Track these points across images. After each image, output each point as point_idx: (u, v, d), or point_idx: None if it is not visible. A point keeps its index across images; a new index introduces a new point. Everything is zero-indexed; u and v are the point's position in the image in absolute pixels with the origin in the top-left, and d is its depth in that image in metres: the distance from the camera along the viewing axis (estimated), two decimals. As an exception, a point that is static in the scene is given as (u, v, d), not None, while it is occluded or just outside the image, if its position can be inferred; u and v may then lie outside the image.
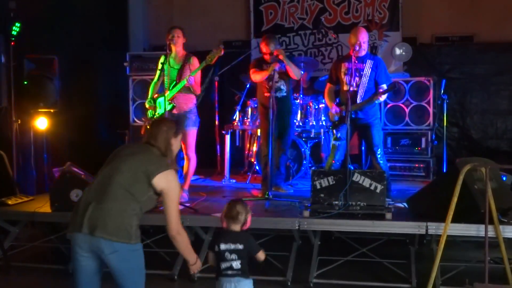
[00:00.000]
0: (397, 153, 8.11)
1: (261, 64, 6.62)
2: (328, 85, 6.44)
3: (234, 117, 8.09)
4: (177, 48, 6.09)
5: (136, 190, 3.42)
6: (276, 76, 6.36)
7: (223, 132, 8.10)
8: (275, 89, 6.36)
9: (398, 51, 8.88)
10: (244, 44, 9.91)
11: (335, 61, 6.97)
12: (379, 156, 6.09)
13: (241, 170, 8.61)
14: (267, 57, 6.52)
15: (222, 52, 5.95)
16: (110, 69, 8.80)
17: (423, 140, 8.09)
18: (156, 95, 6.18)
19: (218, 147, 8.60)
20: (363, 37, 6.01)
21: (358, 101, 6.01)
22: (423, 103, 8.11)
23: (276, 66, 6.32)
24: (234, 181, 7.93)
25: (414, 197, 5.50)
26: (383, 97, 6.06)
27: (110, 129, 8.89)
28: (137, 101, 8.29)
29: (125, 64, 8.48)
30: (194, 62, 6.12)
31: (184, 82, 5.93)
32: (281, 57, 6.35)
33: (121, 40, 9.67)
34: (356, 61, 6.00)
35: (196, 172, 7.63)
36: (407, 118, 8.12)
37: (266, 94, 6.50)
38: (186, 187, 6.21)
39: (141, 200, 3.44)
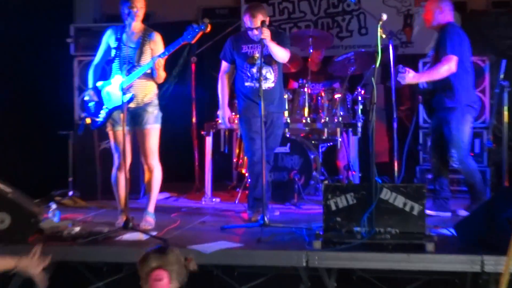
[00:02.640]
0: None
1: (239, 44, 6.69)
2: None
3: (218, 113, 8.04)
4: (136, 22, 6.08)
5: None
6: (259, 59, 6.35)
7: (202, 133, 8.05)
8: (257, 78, 6.38)
9: (441, 21, 8.87)
10: (232, 13, 9.90)
11: None
12: (452, 159, 6.48)
13: (228, 185, 8.57)
14: (254, 32, 6.51)
15: (208, 30, 5.94)
16: (46, 47, 8.73)
17: (476, 142, 8.08)
18: (100, 82, 6.20)
19: (196, 153, 8.56)
20: (428, 5, 6.56)
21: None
22: (477, 92, 8.08)
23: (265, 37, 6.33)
24: (218, 200, 7.91)
25: (466, 221, 5.48)
26: (408, 78, 6.28)
27: (49, 131, 8.82)
28: (85, 90, 8.24)
29: (68, 40, 8.43)
30: (157, 39, 6.13)
31: (149, 64, 5.92)
32: (265, 37, 6.35)
33: (63, 8, 9.61)
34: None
35: (165, 188, 7.61)
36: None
37: (247, 84, 6.62)
38: (151, 209, 6.19)
39: None
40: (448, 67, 6.37)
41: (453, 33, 6.49)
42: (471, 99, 6.63)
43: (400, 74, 6.40)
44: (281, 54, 6.49)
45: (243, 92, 6.71)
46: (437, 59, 6.46)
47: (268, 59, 6.51)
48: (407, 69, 6.44)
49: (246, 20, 6.52)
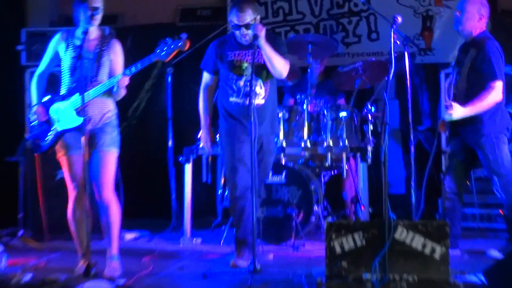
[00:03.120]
0: (468, 192, 8.07)
1: (224, 50, 6.63)
2: None
3: (200, 135, 8.03)
4: (94, 26, 6.08)
5: None
6: (249, 70, 6.33)
7: (180, 159, 8.05)
8: (245, 93, 6.36)
9: (467, 24, 8.92)
10: (216, 14, 9.93)
11: None
12: (497, 186, 6.64)
13: (212, 222, 8.54)
14: (242, 32, 6.46)
15: (186, 48, 5.96)
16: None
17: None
18: (47, 97, 6.19)
19: (172, 184, 8.54)
20: (464, 5, 6.70)
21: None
22: (510, 110, 8.09)
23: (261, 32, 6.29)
24: (199, 240, 7.89)
25: (498, 266, 5.45)
26: (456, 114, 6.48)
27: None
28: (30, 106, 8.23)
29: (19, 47, 8.43)
30: (117, 49, 6.17)
31: (112, 82, 5.91)
32: (260, 31, 6.31)
33: (12, 9, 9.62)
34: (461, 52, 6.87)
35: (135, 226, 7.57)
36: (483, 134, 8.11)
37: (232, 100, 6.56)
38: (115, 251, 6.14)
39: None
40: (496, 95, 6.55)
41: (496, 51, 6.61)
42: (505, 120, 6.77)
43: (447, 111, 6.46)
44: (279, 63, 6.41)
45: (226, 110, 6.64)
46: (474, 79, 6.58)
47: (258, 69, 6.45)
48: (453, 103, 6.48)
49: (233, 17, 6.42)
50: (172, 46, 5.89)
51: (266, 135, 6.63)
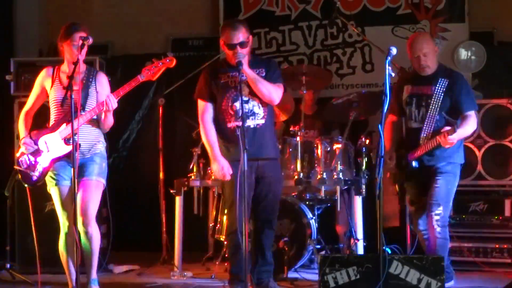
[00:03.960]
0: (464, 226, 8.06)
1: (216, 74, 6.55)
2: (390, 116, 7.20)
3: (192, 166, 8.04)
4: (80, 58, 6.10)
5: None
6: (246, 90, 6.33)
7: (172, 191, 8.04)
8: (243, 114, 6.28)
9: (463, 55, 8.95)
10: (208, 44, 9.91)
11: (397, 80, 7.39)
12: (436, 218, 6.51)
13: (203, 256, 8.51)
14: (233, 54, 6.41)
15: (173, 64, 5.97)
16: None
17: (508, 203, 8.05)
18: (36, 131, 6.23)
19: (163, 216, 8.52)
20: (424, 47, 6.72)
21: (422, 142, 6.68)
22: (506, 142, 8.11)
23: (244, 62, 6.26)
24: (190, 274, 7.85)
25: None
26: (454, 136, 6.44)
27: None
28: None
29: (8, 77, 8.43)
30: (103, 80, 6.26)
31: (100, 108, 5.96)
32: (243, 58, 6.30)
33: (1, 39, 9.63)
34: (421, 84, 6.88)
35: (125, 260, 7.54)
36: (479, 168, 8.10)
37: (230, 125, 6.47)
38: (94, 276, 6.18)
39: None
40: (476, 123, 6.83)
41: (467, 82, 7.01)
42: (464, 158, 6.99)
43: (449, 137, 6.48)
44: (265, 90, 6.36)
45: (225, 138, 6.50)
46: (450, 108, 6.73)
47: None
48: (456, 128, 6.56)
49: (226, 36, 6.35)
50: (159, 63, 5.92)
51: (270, 161, 6.57)
